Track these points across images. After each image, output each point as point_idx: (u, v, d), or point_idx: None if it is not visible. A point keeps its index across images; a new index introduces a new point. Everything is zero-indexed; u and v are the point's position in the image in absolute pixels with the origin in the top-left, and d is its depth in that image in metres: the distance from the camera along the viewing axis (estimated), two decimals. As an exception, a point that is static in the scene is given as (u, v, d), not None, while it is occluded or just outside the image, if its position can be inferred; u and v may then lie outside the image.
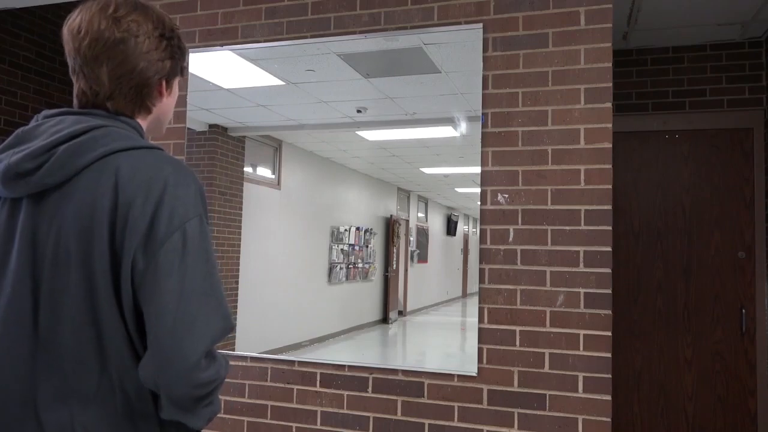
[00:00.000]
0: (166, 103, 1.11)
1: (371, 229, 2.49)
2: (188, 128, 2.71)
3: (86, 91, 1.02)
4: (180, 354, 0.89)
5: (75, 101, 1.05)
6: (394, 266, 2.47)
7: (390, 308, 2.46)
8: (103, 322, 0.93)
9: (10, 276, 0.96)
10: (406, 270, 2.48)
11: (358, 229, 2.50)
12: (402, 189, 2.50)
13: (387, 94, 2.43)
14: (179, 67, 1.12)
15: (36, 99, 4.49)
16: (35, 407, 0.93)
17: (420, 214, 2.51)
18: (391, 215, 2.49)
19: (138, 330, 0.95)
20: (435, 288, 2.47)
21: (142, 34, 1.03)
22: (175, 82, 1.13)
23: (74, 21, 1.02)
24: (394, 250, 2.48)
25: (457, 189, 2.39)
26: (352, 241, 2.49)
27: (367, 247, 2.49)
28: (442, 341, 2.34)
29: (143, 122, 1.08)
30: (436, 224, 2.49)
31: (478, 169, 2.29)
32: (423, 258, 2.49)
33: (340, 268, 2.51)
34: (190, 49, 2.75)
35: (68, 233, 0.93)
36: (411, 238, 2.49)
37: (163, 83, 1.08)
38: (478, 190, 2.29)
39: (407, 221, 2.49)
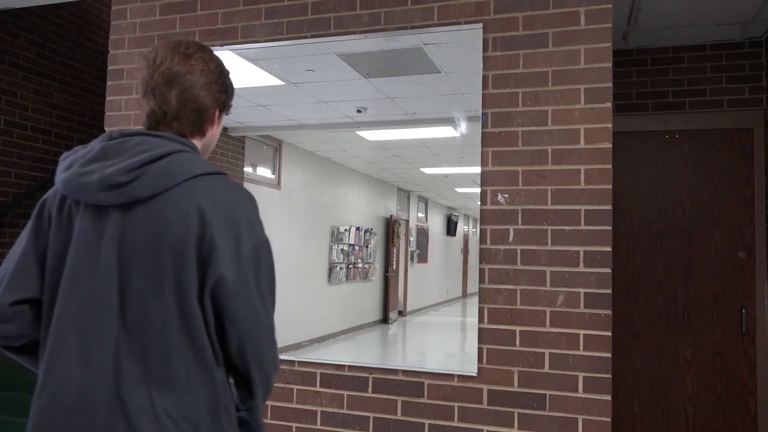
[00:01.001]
0: (215, 132, 1.31)
1: (371, 229, 2.49)
2: (188, 128, 2.71)
3: (156, 110, 1.20)
4: (268, 339, 1.18)
5: (145, 119, 1.23)
6: (394, 266, 2.47)
7: (390, 308, 2.46)
8: (187, 318, 1.09)
9: (100, 275, 1.10)
10: (406, 270, 2.47)
11: (358, 229, 2.49)
12: (402, 189, 2.50)
13: (387, 94, 2.43)
14: (228, 104, 1.31)
15: (36, 99, 4.48)
16: (118, 390, 1.07)
17: (420, 214, 2.51)
18: (391, 215, 2.49)
19: (216, 325, 1.13)
20: (435, 288, 2.47)
21: (206, 69, 1.23)
22: (222, 117, 1.32)
23: (152, 53, 1.22)
24: (394, 250, 2.48)
25: (457, 189, 2.39)
26: (352, 241, 2.49)
27: (367, 247, 2.49)
28: (442, 341, 2.34)
29: (198, 144, 1.26)
30: (436, 224, 2.49)
31: (478, 169, 2.29)
32: (423, 258, 2.49)
33: (340, 268, 2.51)
34: (190, 49, 2.75)
35: (160, 242, 1.09)
36: (411, 238, 2.49)
37: (216, 113, 1.28)
38: (478, 190, 2.29)
39: (407, 221, 2.49)
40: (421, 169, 2.45)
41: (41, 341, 1.16)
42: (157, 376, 1.08)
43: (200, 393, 1.10)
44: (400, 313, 2.46)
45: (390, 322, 2.45)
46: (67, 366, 1.09)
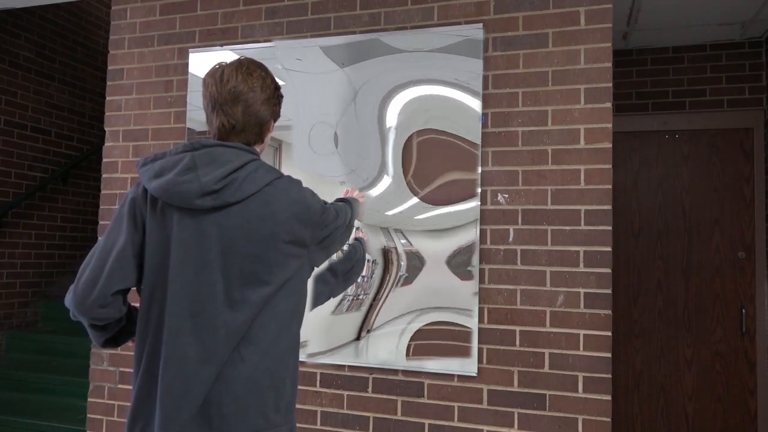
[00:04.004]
0: (268, 138, 1.51)
1: (375, 260, 2.48)
2: (188, 128, 2.71)
3: (225, 124, 1.39)
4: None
5: (215, 132, 1.42)
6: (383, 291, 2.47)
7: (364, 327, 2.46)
8: (280, 293, 1.37)
9: (204, 268, 1.33)
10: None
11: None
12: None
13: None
14: (280, 111, 1.52)
15: (36, 99, 4.48)
16: (226, 359, 1.32)
17: (402, 241, 2.51)
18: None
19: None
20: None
21: (265, 86, 1.42)
22: (275, 123, 1.52)
23: (217, 72, 1.40)
24: (388, 277, 2.47)
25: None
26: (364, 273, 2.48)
27: (371, 277, 2.49)
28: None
29: (258, 149, 1.47)
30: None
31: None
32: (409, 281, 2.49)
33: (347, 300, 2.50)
34: (190, 50, 2.75)
35: (255, 237, 1.33)
36: (402, 263, 2.48)
37: (271, 122, 1.48)
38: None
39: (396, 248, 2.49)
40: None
41: (141, 322, 1.37)
42: (249, 340, 1.33)
43: (282, 350, 1.37)
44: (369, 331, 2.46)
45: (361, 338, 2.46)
46: (185, 343, 1.31)
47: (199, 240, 1.33)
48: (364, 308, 2.38)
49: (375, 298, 2.38)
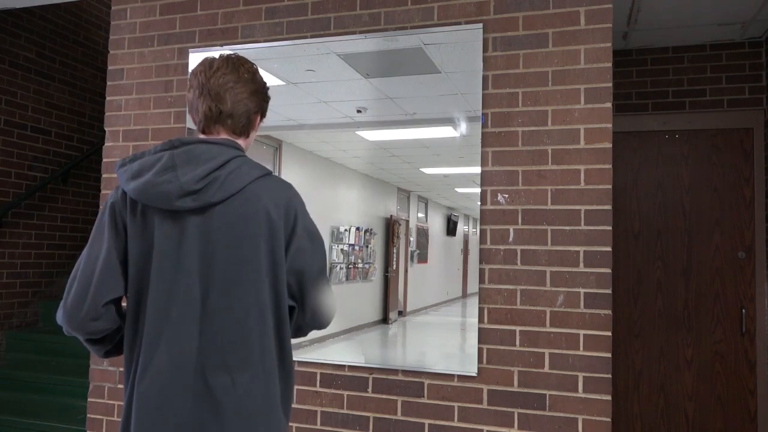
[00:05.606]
0: (253, 136, 1.48)
1: (371, 229, 2.49)
2: (188, 128, 2.71)
3: (212, 108, 1.36)
4: (325, 301, 1.42)
5: (201, 118, 1.38)
6: (394, 266, 2.47)
7: (390, 308, 2.46)
8: (262, 301, 1.28)
9: (184, 273, 1.27)
10: (406, 270, 2.47)
11: (358, 229, 2.49)
12: (402, 189, 2.49)
13: (387, 94, 2.43)
14: (266, 110, 1.50)
15: (36, 99, 4.48)
16: (203, 373, 1.25)
17: (420, 215, 2.50)
18: (391, 215, 2.49)
19: (274, 303, 1.32)
20: (435, 288, 2.47)
21: (254, 80, 1.42)
22: (260, 121, 1.50)
23: (207, 61, 1.40)
24: (394, 251, 2.48)
25: (457, 189, 2.39)
26: (352, 241, 2.49)
27: (367, 247, 2.49)
28: (442, 341, 2.34)
29: (243, 144, 1.43)
30: (436, 224, 2.49)
31: (478, 169, 2.29)
32: (423, 258, 2.49)
33: (341, 269, 2.51)
34: (190, 50, 2.75)
35: (236, 239, 1.27)
36: (411, 239, 2.48)
37: (258, 117, 1.46)
38: (478, 190, 2.29)
39: (407, 221, 2.49)
40: (421, 169, 2.45)
41: (129, 331, 1.31)
42: (237, 358, 1.26)
43: (271, 366, 1.29)
44: (400, 313, 2.46)
45: (390, 322, 2.45)
46: (161, 353, 1.25)
47: (180, 243, 1.27)
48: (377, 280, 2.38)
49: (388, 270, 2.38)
